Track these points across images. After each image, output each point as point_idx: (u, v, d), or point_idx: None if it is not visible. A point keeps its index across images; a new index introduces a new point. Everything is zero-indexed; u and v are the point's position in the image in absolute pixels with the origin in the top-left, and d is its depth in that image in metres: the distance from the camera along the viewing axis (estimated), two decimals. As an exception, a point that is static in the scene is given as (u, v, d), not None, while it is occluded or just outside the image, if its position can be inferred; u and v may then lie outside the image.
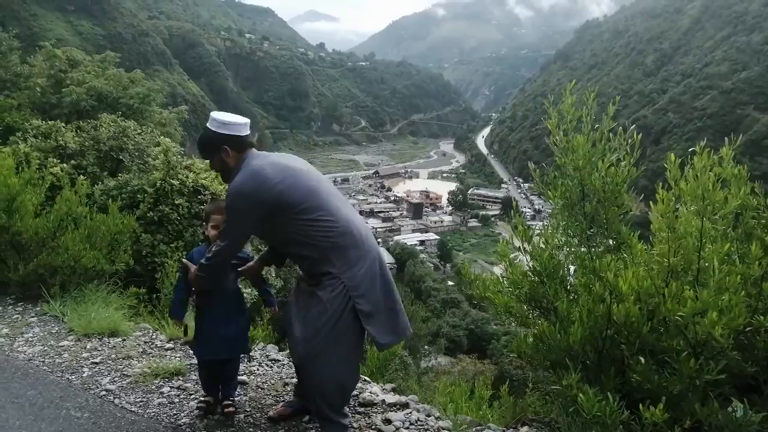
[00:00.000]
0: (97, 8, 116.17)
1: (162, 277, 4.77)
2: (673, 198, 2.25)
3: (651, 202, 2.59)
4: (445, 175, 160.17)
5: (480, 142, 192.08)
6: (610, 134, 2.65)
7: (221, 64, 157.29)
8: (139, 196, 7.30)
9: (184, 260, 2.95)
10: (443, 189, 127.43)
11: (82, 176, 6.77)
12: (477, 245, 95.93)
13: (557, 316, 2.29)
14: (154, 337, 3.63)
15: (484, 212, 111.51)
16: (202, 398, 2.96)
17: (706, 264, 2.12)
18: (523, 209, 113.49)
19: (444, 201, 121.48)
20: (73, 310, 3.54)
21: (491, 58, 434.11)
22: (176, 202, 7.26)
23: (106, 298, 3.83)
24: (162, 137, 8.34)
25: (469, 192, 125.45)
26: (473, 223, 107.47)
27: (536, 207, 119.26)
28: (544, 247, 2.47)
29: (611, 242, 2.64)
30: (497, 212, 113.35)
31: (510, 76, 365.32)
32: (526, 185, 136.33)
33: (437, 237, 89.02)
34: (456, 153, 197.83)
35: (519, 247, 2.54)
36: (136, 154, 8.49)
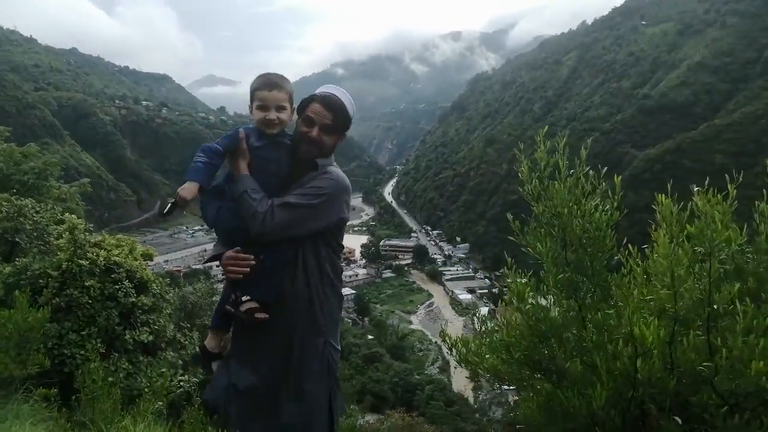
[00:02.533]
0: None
1: (80, 374, 4.13)
2: (669, 240, 2.16)
3: (630, 244, 2.51)
4: (356, 228, 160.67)
5: (387, 194, 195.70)
6: (583, 178, 2.56)
7: (117, 133, 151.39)
8: (41, 281, 6.52)
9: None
10: (355, 243, 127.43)
11: (-30, 264, 5.98)
12: (393, 296, 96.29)
13: (569, 378, 2.10)
14: (81, 451, 3.06)
15: (397, 262, 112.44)
16: None
17: (716, 308, 2.01)
18: (434, 256, 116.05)
19: (357, 254, 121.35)
20: (-23, 432, 2.91)
21: (391, 113, 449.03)
22: (86, 283, 6.52)
23: (17, 410, 3.21)
24: (67, 214, 7.60)
25: (381, 243, 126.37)
26: (387, 274, 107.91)
27: (446, 253, 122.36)
28: (545, 304, 2.29)
29: (598, 292, 2.51)
30: (409, 261, 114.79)
31: (410, 129, 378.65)
32: (435, 232, 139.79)
33: (353, 291, 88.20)
34: (365, 206, 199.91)
35: (515, 306, 2.34)
36: (35, 234, 7.66)
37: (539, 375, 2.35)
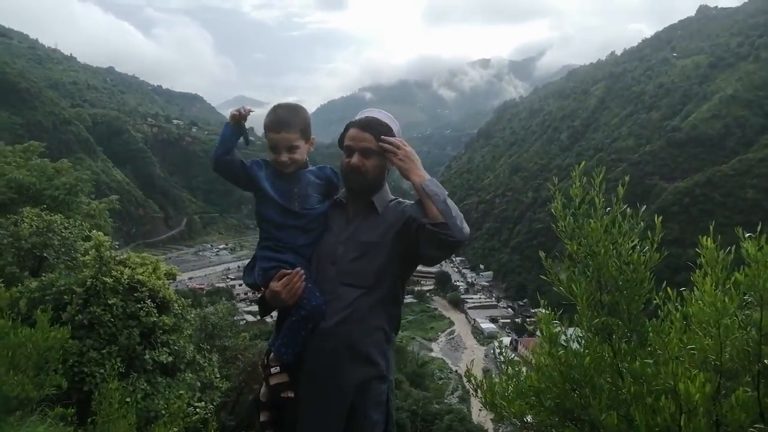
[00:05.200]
0: (15, 98, 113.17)
1: (97, 396, 4.09)
2: (715, 286, 2.02)
3: (672, 289, 2.37)
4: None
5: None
6: (621, 217, 2.44)
7: (148, 151, 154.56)
8: (66, 297, 6.55)
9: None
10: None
11: (-2, 278, 6.01)
12: (414, 321, 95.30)
13: (605, 431, 1.96)
14: (94, 478, 2.99)
15: (419, 288, 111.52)
16: None
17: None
18: (457, 282, 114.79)
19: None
20: (-10, 454, 2.86)
21: (418, 138, 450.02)
22: (109, 301, 6.54)
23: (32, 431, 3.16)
24: (94, 231, 7.67)
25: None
26: (409, 299, 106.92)
27: (469, 280, 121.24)
28: (581, 350, 2.17)
29: (635, 337, 2.37)
30: (432, 287, 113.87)
31: (436, 155, 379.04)
32: (458, 259, 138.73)
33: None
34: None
35: (546, 350, 2.22)
36: (63, 250, 7.75)
37: (571, 424, 2.22)
